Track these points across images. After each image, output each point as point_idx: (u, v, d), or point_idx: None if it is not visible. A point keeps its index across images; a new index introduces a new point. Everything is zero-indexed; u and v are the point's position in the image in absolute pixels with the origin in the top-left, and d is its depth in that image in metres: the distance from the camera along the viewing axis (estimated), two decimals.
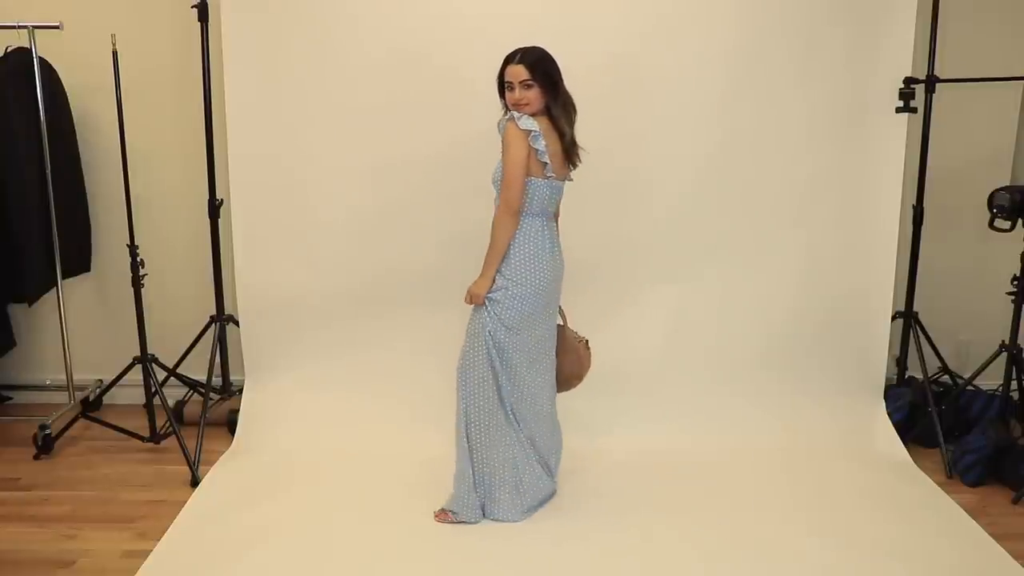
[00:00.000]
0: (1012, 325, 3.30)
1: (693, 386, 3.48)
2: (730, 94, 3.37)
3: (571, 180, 2.83)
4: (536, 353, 2.80)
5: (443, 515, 2.82)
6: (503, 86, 2.69)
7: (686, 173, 3.45)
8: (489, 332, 2.71)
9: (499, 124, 2.69)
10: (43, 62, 3.37)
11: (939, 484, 3.13)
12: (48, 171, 3.37)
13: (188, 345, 3.59)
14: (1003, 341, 3.36)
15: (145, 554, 2.62)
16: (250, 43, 3.32)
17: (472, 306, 2.76)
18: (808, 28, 3.33)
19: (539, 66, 2.63)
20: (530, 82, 2.61)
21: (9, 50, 3.38)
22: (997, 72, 3.42)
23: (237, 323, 3.56)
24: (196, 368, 3.60)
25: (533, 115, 2.64)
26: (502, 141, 2.66)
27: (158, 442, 3.40)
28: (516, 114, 2.63)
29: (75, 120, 3.59)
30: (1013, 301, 3.27)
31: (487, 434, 2.77)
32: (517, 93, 2.63)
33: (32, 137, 3.36)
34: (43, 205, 3.42)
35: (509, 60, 2.65)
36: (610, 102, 3.34)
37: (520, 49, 2.66)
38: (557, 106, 2.67)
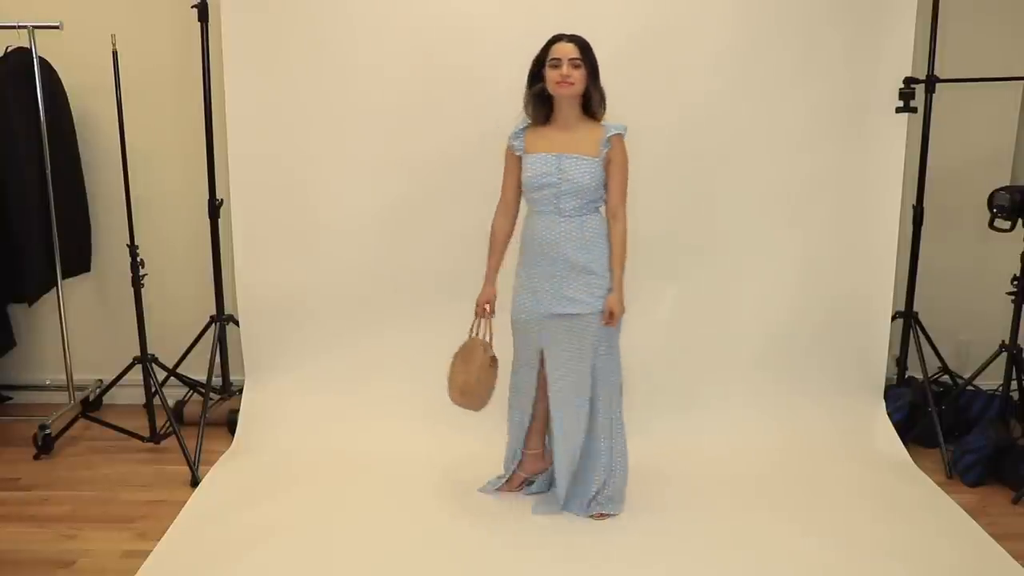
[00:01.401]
0: (1012, 325, 3.30)
1: (692, 386, 3.48)
2: (730, 94, 3.37)
3: None
4: None
5: (601, 516, 2.85)
6: (539, 67, 2.67)
7: (685, 173, 3.45)
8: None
9: (604, 140, 2.68)
10: (43, 62, 3.37)
11: (939, 484, 3.12)
12: (48, 171, 3.37)
13: (188, 345, 3.59)
14: (1003, 341, 3.36)
15: (145, 554, 2.62)
16: (250, 43, 3.32)
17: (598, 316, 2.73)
18: (808, 28, 3.33)
19: (588, 50, 2.64)
20: (579, 61, 2.61)
21: (9, 50, 3.38)
22: (997, 72, 3.42)
23: (237, 323, 3.56)
24: (196, 368, 3.60)
25: (571, 97, 2.65)
26: (612, 154, 2.69)
27: (158, 442, 3.40)
28: (621, 128, 2.69)
29: (75, 120, 3.59)
30: (1013, 301, 3.27)
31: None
32: (565, 69, 2.60)
33: (32, 137, 3.36)
34: (43, 205, 3.42)
35: (557, 39, 2.65)
36: (609, 102, 3.33)
37: (564, 33, 2.67)
38: (597, 93, 2.68)
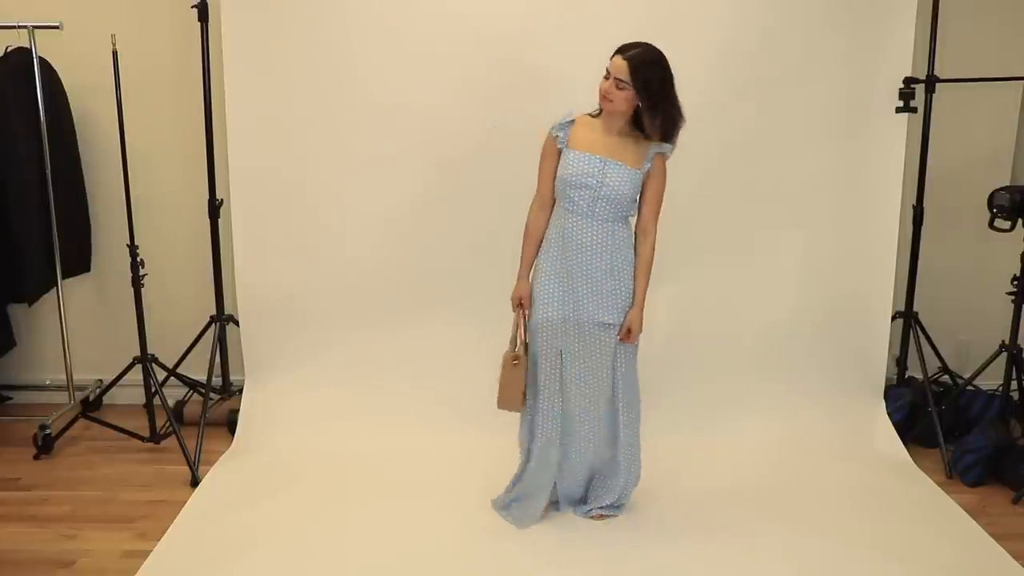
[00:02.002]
0: (1012, 325, 3.30)
1: (692, 386, 3.48)
2: (729, 94, 3.37)
3: None
4: None
5: (601, 516, 2.83)
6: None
7: (685, 173, 3.42)
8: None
9: (648, 156, 2.62)
10: (43, 62, 3.36)
11: (939, 484, 3.13)
12: (48, 171, 3.37)
13: (188, 345, 3.59)
14: (1003, 341, 3.36)
15: (145, 554, 2.62)
16: (250, 43, 3.32)
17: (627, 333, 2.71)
18: (808, 28, 3.33)
19: (641, 72, 2.48)
20: (625, 84, 2.49)
21: (9, 50, 3.38)
22: (997, 72, 3.42)
23: (237, 323, 3.56)
24: (196, 368, 3.59)
25: (611, 113, 2.57)
26: (654, 171, 2.64)
27: (158, 442, 3.40)
28: (667, 148, 2.62)
29: (75, 120, 3.59)
30: (1013, 301, 3.27)
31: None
32: (607, 85, 2.51)
33: (32, 137, 3.36)
34: (43, 205, 3.42)
35: (620, 51, 2.52)
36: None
37: (638, 44, 2.52)
38: (650, 118, 2.55)
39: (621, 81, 2.49)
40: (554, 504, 2.88)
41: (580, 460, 2.80)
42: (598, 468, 2.84)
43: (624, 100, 2.53)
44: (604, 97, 2.55)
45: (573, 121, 2.64)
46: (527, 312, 2.71)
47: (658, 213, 2.70)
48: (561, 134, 2.63)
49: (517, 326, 2.73)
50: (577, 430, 2.76)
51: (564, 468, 2.81)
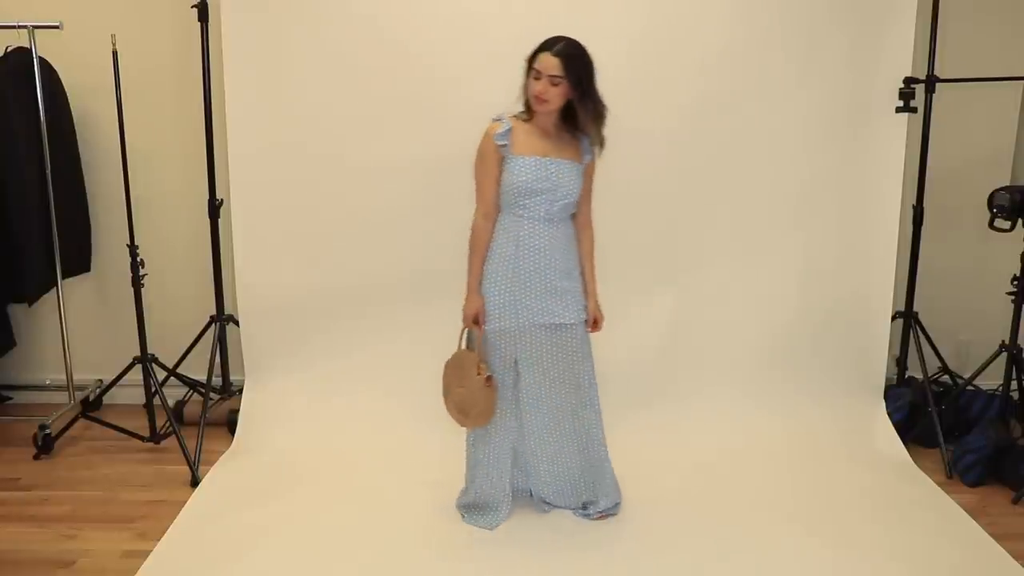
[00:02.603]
0: (1012, 325, 3.30)
1: (693, 387, 3.48)
2: (730, 94, 3.37)
3: None
4: None
5: (604, 516, 2.83)
6: (530, 67, 2.51)
7: (686, 174, 3.45)
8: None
9: (585, 147, 2.62)
10: (43, 62, 3.36)
11: (939, 484, 3.12)
12: (48, 171, 3.37)
13: (188, 345, 3.59)
14: (1003, 341, 3.35)
15: (145, 554, 2.62)
16: (250, 43, 3.32)
17: (583, 325, 2.70)
18: (808, 28, 3.33)
19: (574, 64, 2.46)
20: (559, 79, 2.46)
21: (9, 50, 3.38)
22: (997, 72, 3.42)
23: (237, 323, 3.56)
24: (196, 368, 3.59)
25: (546, 113, 2.55)
26: (591, 165, 2.65)
27: (158, 442, 3.40)
28: (595, 140, 2.61)
29: (75, 120, 3.59)
30: (1013, 301, 3.27)
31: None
32: (542, 86, 2.47)
33: (32, 137, 3.36)
34: (43, 205, 3.42)
35: (546, 47, 2.47)
36: (609, 103, 3.32)
37: (560, 38, 2.48)
38: (583, 108, 2.52)
39: (556, 77, 2.46)
40: (545, 504, 2.88)
41: (557, 467, 2.79)
42: (579, 473, 2.82)
43: (559, 97, 2.50)
44: (539, 99, 2.49)
45: (511, 127, 2.57)
46: (483, 326, 2.65)
47: (589, 197, 2.72)
48: (505, 142, 2.56)
49: (479, 342, 2.65)
50: (546, 438, 2.75)
51: (543, 476, 2.81)
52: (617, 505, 2.85)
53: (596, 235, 3.39)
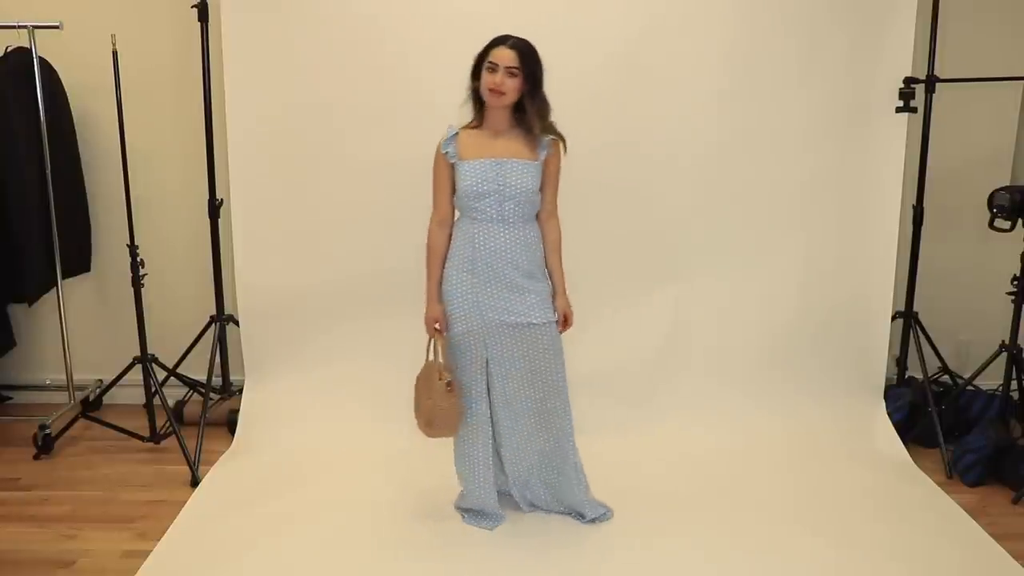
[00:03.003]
0: (1012, 325, 3.30)
1: (693, 387, 3.48)
2: (730, 94, 3.37)
3: None
4: None
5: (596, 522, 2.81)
6: (479, 66, 2.55)
7: (686, 173, 3.45)
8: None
9: (542, 143, 2.60)
10: (43, 62, 3.37)
11: (939, 484, 3.12)
12: (48, 171, 3.37)
13: (188, 345, 3.59)
14: (1003, 341, 3.35)
15: (145, 554, 2.62)
16: (250, 43, 3.32)
17: (554, 324, 2.68)
18: (809, 28, 3.33)
19: (529, 58, 2.52)
20: (515, 70, 2.50)
21: (9, 50, 3.38)
22: (997, 72, 3.42)
23: (237, 323, 3.56)
24: (196, 368, 3.60)
25: (501, 107, 2.56)
26: (550, 158, 2.62)
27: (158, 442, 3.40)
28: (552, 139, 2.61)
29: (75, 120, 3.59)
30: (1013, 301, 3.27)
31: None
32: (499, 77, 2.50)
33: (32, 137, 3.36)
34: (43, 205, 3.42)
35: (500, 42, 2.53)
36: (609, 103, 3.34)
37: (507, 36, 2.55)
38: (534, 105, 2.55)
39: (513, 68, 2.49)
40: (531, 506, 2.87)
41: (525, 463, 2.78)
42: (544, 468, 2.80)
43: (515, 90, 2.52)
44: (495, 91, 2.51)
45: (457, 134, 2.62)
46: (444, 334, 2.66)
47: (556, 194, 2.70)
48: (450, 149, 2.60)
49: (441, 349, 2.65)
50: (515, 438, 2.73)
51: (515, 473, 2.80)
52: (605, 514, 2.83)
53: (596, 235, 3.40)
